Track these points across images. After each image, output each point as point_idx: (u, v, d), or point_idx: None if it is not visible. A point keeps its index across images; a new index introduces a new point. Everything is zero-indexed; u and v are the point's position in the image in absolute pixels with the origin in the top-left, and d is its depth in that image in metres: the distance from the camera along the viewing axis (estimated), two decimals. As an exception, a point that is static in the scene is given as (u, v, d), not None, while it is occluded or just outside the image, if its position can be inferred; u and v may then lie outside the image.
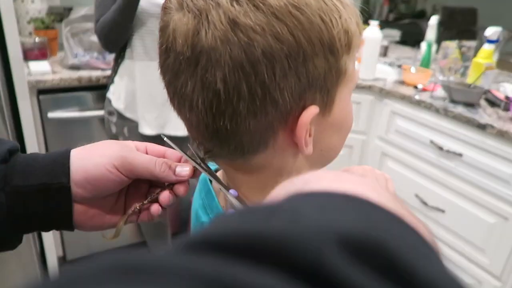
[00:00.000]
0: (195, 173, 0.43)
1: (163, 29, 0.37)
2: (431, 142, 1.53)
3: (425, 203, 1.58)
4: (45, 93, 1.54)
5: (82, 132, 1.65)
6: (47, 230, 0.40)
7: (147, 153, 0.44)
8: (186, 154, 0.43)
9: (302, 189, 0.20)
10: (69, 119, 1.59)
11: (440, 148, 1.49)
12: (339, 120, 0.40)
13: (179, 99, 0.37)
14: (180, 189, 0.43)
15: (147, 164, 0.41)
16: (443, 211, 1.53)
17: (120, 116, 1.42)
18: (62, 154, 0.40)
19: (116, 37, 1.29)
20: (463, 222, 1.47)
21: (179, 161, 0.44)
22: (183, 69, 0.35)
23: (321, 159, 0.44)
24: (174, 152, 0.45)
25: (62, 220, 0.40)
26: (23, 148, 1.53)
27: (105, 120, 1.49)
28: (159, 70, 0.39)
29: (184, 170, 0.42)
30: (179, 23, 0.35)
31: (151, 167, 0.41)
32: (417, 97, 1.58)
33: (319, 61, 0.34)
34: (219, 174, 0.49)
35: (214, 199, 0.46)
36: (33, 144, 1.53)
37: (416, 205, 1.62)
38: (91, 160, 0.40)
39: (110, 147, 0.41)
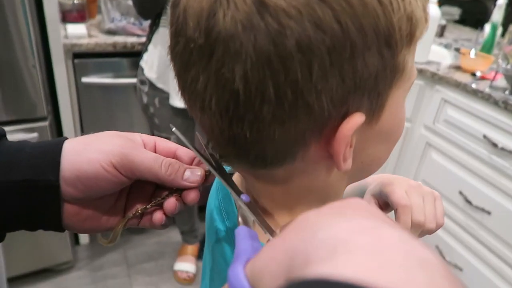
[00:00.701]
0: (207, 179, 0.37)
1: (174, 6, 0.29)
2: (485, 137, 1.38)
3: (469, 202, 1.45)
4: (80, 57, 1.52)
5: (116, 99, 1.64)
6: (33, 230, 0.35)
7: (155, 151, 0.37)
8: (199, 152, 0.36)
9: (321, 269, 0.15)
10: (102, 85, 1.57)
11: (494, 145, 1.35)
12: (388, 128, 0.32)
13: (189, 95, 0.30)
14: (190, 197, 0.36)
15: (152, 164, 0.34)
16: (489, 212, 1.40)
17: (152, 86, 1.38)
18: (53, 145, 0.34)
19: (151, 3, 1.22)
20: (510, 226, 1.34)
21: (191, 162, 0.37)
22: (194, 60, 0.28)
23: (360, 173, 0.36)
24: (186, 152, 0.38)
25: (50, 221, 0.35)
26: (57, 113, 1.53)
27: (137, 88, 1.46)
28: (169, 57, 0.31)
29: (195, 175, 0.36)
30: (192, 0, 0.27)
31: (156, 168, 0.35)
32: (474, 85, 1.42)
33: (371, 56, 0.26)
34: (235, 177, 0.42)
35: (231, 203, 0.40)
36: (67, 109, 1.53)
37: (459, 203, 1.50)
38: (85, 155, 0.34)
39: (111, 141, 0.35)
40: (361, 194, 0.51)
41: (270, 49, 0.25)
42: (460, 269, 1.52)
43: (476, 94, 1.41)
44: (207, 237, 0.47)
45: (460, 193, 1.49)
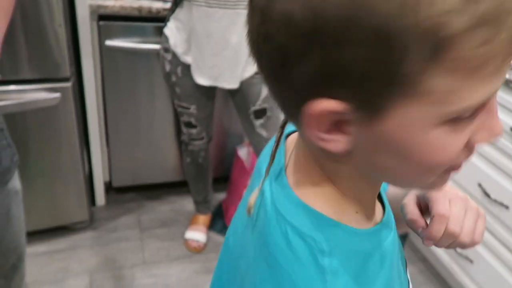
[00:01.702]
0: None
1: None
2: (512, 130, 1.34)
3: (487, 195, 1.43)
4: (105, 19, 1.51)
5: (139, 64, 1.63)
6: None
7: None
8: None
9: None
10: (126, 49, 1.56)
11: (521, 139, 1.31)
12: (395, 140, 0.29)
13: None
14: None
15: None
16: (507, 207, 1.37)
17: (175, 56, 1.37)
18: None
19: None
20: (529, 223, 1.32)
21: None
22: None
23: (375, 175, 0.36)
24: None
25: None
26: (80, 76, 1.54)
27: (160, 56, 1.44)
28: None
29: None
30: None
31: None
32: (507, 75, 1.36)
33: (360, 50, 0.26)
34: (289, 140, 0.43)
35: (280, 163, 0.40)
36: (90, 71, 1.54)
37: (477, 195, 1.47)
38: None
39: None
40: (403, 192, 0.50)
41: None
42: (471, 261, 1.51)
43: (507, 85, 1.36)
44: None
45: (479, 185, 1.46)
